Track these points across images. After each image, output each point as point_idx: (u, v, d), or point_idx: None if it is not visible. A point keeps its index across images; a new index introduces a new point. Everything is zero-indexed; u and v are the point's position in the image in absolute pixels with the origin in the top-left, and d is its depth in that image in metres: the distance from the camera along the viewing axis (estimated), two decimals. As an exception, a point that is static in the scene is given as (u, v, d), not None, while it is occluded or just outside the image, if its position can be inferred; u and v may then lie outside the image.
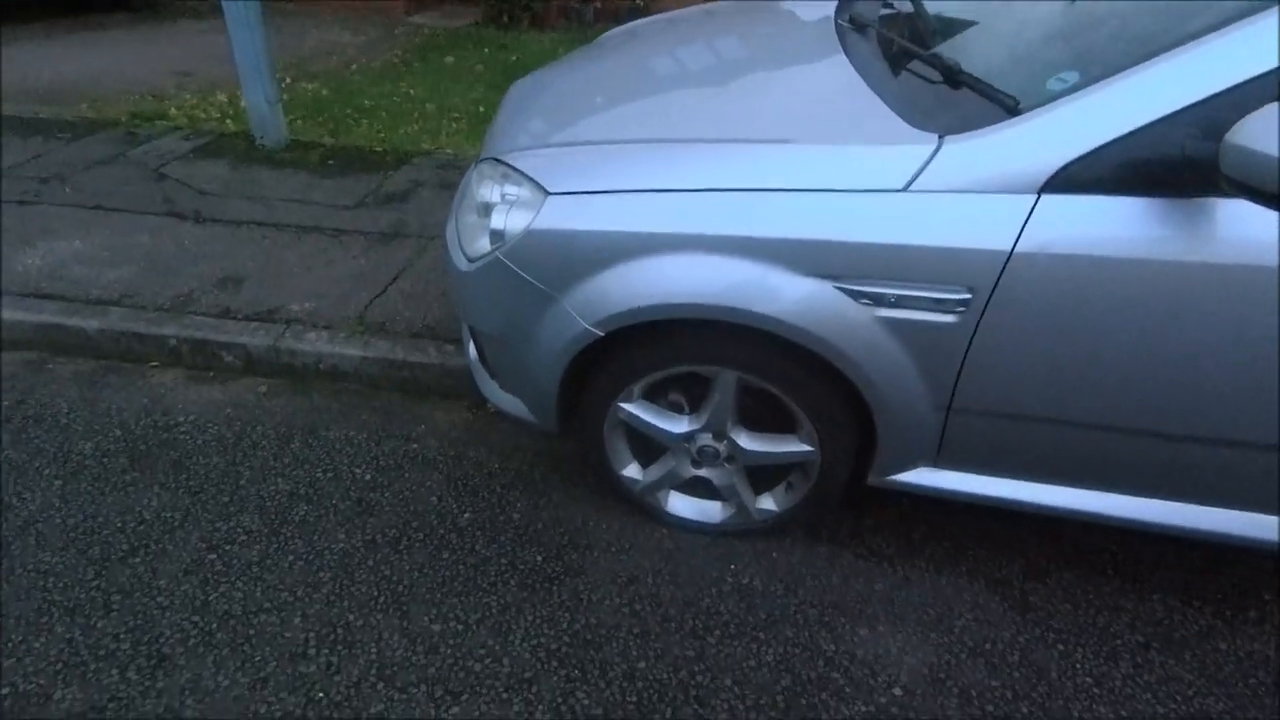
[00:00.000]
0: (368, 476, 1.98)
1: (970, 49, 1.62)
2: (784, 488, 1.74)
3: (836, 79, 1.59)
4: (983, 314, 1.31)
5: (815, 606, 1.67)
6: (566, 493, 1.95)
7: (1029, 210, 1.24)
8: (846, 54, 1.71)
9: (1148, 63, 1.20)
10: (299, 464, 2.01)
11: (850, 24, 1.90)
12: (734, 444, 1.65)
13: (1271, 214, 1.16)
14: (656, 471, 1.76)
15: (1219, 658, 1.58)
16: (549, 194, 1.49)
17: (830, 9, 2.14)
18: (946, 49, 1.62)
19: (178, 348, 2.37)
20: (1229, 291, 1.20)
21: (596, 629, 1.60)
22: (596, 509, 1.90)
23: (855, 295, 1.35)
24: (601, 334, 1.49)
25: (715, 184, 1.39)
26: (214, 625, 1.57)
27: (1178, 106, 1.16)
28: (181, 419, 2.15)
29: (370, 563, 1.73)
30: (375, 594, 1.66)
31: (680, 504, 1.81)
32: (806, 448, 1.60)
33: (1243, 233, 1.18)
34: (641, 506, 1.85)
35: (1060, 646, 1.60)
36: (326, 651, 1.53)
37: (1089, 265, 1.24)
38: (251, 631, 1.56)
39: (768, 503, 1.76)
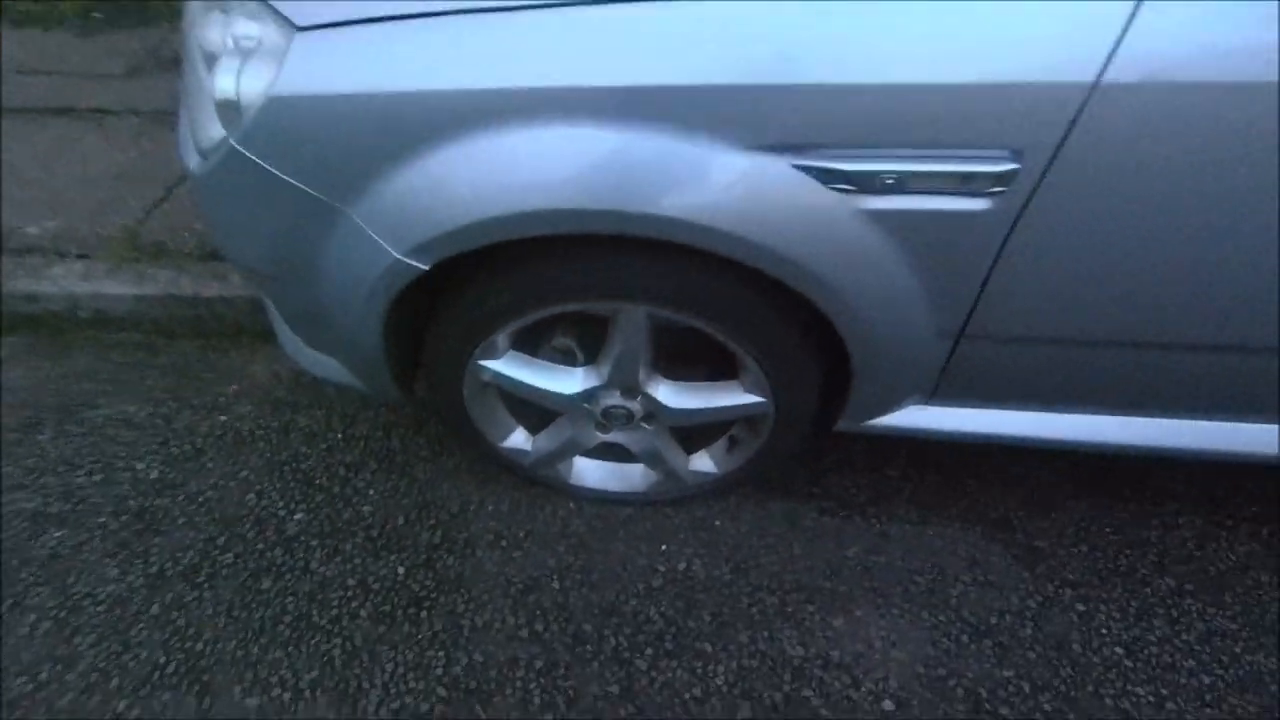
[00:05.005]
0: (154, 474, 1.42)
1: None
2: (725, 444, 1.28)
3: None
4: (1034, 192, 0.80)
5: (774, 592, 1.27)
6: (437, 466, 1.45)
7: (1132, 10, 0.70)
8: None
9: None
10: (49, 465, 1.43)
11: None
12: (652, 401, 1.16)
13: None
14: (549, 442, 1.27)
15: (1265, 597, 1.28)
16: (297, 29, 0.85)
17: None
18: None
19: None
20: None
21: (484, 670, 1.16)
22: (479, 485, 1.41)
23: (821, 176, 0.81)
24: (425, 267, 0.93)
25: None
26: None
27: None
28: None
29: (154, 610, 1.22)
30: (160, 660, 1.16)
31: (590, 472, 1.34)
32: (754, 399, 1.13)
33: None
34: (538, 480, 1.37)
35: (1080, 606, 1.26)
36: (80, 770, 1.06)
37: (1225, 97, 0.73)
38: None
39: (704, 464, 1.30)
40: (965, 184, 0.80)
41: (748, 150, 0.81)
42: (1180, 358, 0.99)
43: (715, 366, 1.14)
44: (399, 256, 0.92)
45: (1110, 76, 0.72)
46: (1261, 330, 0.91)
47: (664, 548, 1.33)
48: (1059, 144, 0.76)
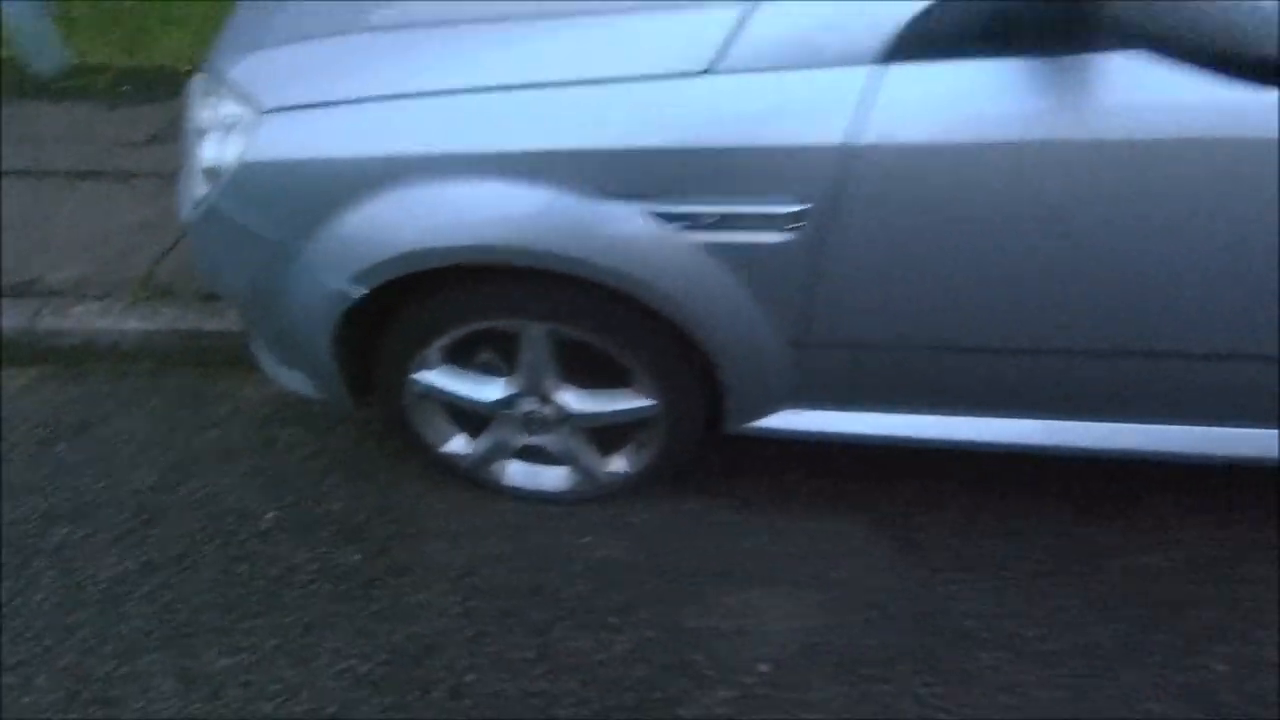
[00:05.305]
0: (151, 479, 1.65)
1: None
2: (634, 446, 1.49)
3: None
4: (824, 228, 1.03)
5: (678, 577, 1.46)
6: (397, 471, 1.66)
7: (872, 87, 0.94)
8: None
9: None
10: (62, 473, 1.66)
11: None
12: (561, 405, 1.37)
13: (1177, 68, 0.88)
14: (482, 446, 1.48)
15: (1112, 578, 1.45)
16: (263, 111, 1.12)
17: None
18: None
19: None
20: (1124, 175, 0.95)
21: (420, 639, 1.36)
22: (431, 488, 1.62)
23: (666, 218, 1.05)
24: (362, 291, 1.17)
25: (463, 83, 1.04)
26: (-63, 697, 1.27)
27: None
28: (-85, 431, 1.75)
29: (145, 590, 1.43)
30: (147, 629, 1.36)
31: (519, 473, 1.55)
32: (646, 402, 1.34)
33: (1143, 97, 0.90)
34: (478, 482, 1.58)
35: (949, 588, 1.44)
36: (75, 716, 1.25)
37: (952, 155, 0.96)
38: (-14, 699, 1.27)
39: (619, 464, 1.50)
40: (769, 222, 1.03)
41: (609, 199, 1.05)
42: (995, 360, 1.20)
43: (614, 378, 1.36)
44: (342, 284, 1.16)
45: (862, 140, 0.95)
46: (1051, 334, 1.12)
47: (586, 539, 1.52)
48: (834, 190, 0.99)
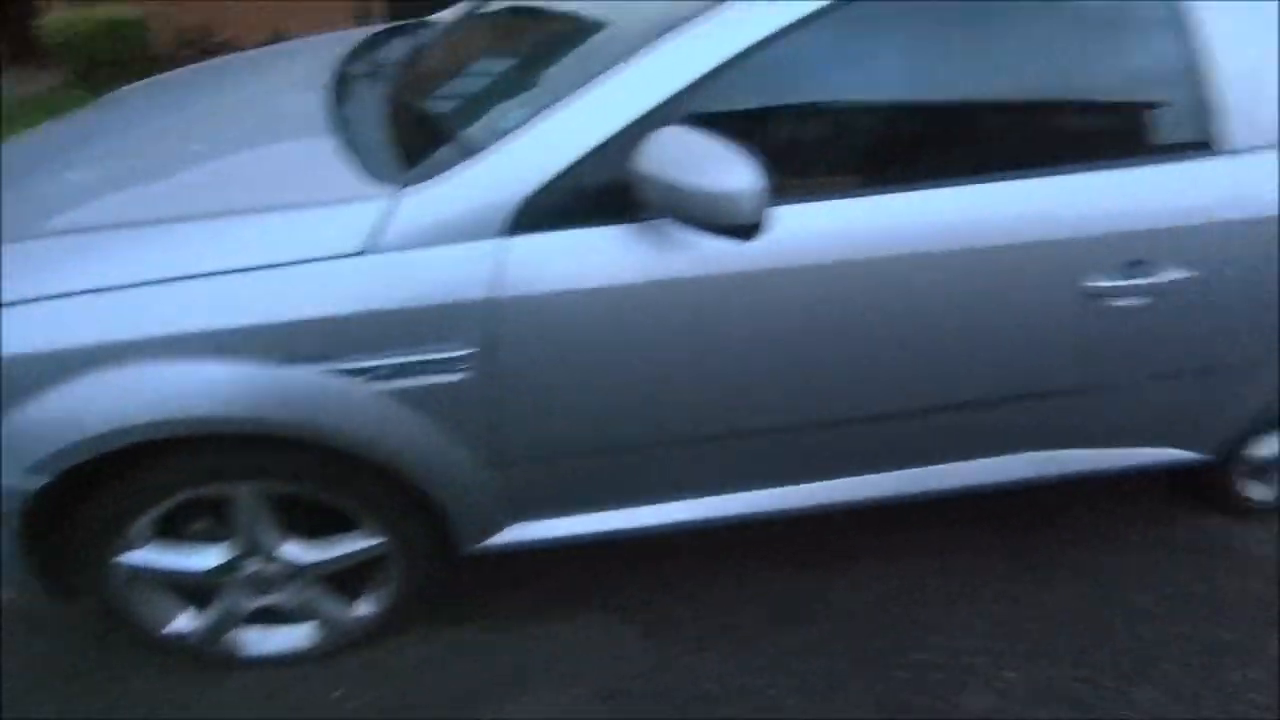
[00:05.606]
0: None
1: (462, 85, 1.56)
2: (375, 585, 1.53)
3: (314, 131, 1.41)
4: (490, 365, 1.22)
5: (436, 710, 1.49)
6: (119, 665, 1.54)
7: (502, 254, 1.17)
8: (337, 101, 1.55)
9: (578, 91, 1.19)
10: None
11: (352, 69, 1.75)
12: (286, 560, 1.40)
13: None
14: (209, 617, 1.44)
15: (820, 622, 1.69)
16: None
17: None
18: (438, 89, 1.54)
19: None
20: (700, 305, 1.24)
21: None
22: (162, 675, 1.52)
23: (349, 374, 1.18)
24: (43, 481, 1.15)
25: (146, 276, 1.13)
26: None
27: (609, 133, 1.16)
28: None
29: None
30: None
31: (256, 640, 1.51)
32: (374, 540, 1.41)
33: (696, 248, 1.21)
34: (213, 659, 1.51)
35: (689, 658, 1.60)
36: None
37: (577, 300, 1.20)
38: None
39: (365, 607, 1.53)
40: (443, 365, 1.19)
41: (294, 363, 1.16)
42: (659, 451, 1.43)
43: (342, 523, 1.42)
44: (18, 478, 1.14)
45: (502, 294, 1.17)
46: (686, 425, 1.38)
47: (337, 693, 1.51)
48: (490, 335, 1.19)
